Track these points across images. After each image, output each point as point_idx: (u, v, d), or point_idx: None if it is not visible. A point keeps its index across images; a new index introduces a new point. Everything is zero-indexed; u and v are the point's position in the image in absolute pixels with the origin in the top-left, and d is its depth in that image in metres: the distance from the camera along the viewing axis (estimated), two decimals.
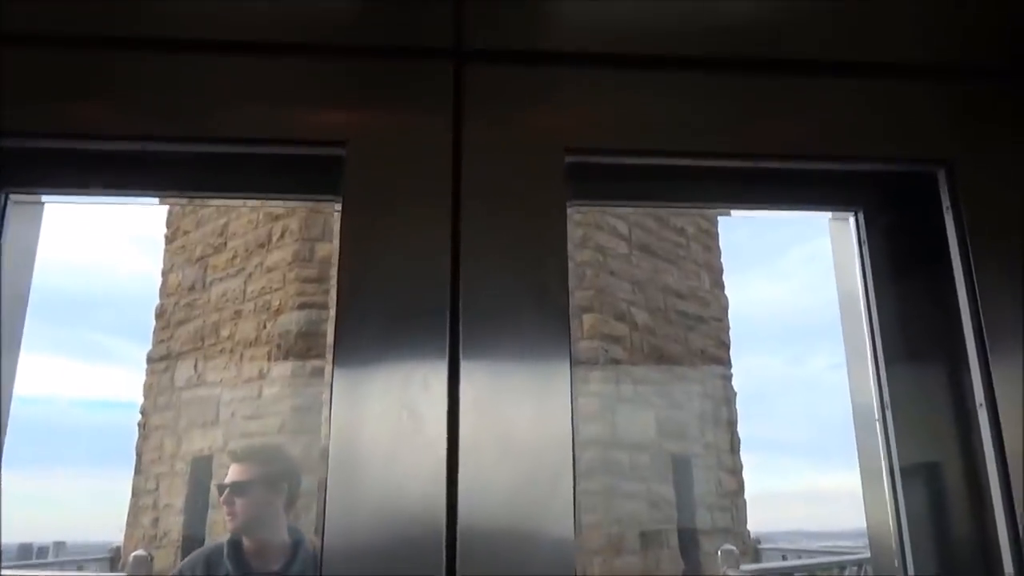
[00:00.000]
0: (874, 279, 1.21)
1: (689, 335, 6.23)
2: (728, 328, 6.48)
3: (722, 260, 6.63)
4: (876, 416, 1.22)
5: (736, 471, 6.15)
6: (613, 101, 1.11)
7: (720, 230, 6.63)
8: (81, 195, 1.04)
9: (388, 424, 0.91)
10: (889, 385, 1.18)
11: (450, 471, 0.90)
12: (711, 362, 6.27)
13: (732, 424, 6.26)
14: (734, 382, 6.37)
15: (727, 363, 6.36)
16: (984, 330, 1.06)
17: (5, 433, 1.06)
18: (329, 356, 0.94)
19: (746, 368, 6.44)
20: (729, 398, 6.30)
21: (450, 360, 0.96)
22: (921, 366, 1.18)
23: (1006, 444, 1.01)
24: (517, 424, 0.95)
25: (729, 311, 6.52)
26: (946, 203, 1.12)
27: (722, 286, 6.61)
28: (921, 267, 1.18)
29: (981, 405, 1.05)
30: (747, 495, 6.16)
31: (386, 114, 1.03)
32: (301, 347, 5.29)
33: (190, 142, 0.99)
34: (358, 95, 1.04)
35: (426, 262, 0.97)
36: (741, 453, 6.23)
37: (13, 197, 1.05)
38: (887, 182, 1.22)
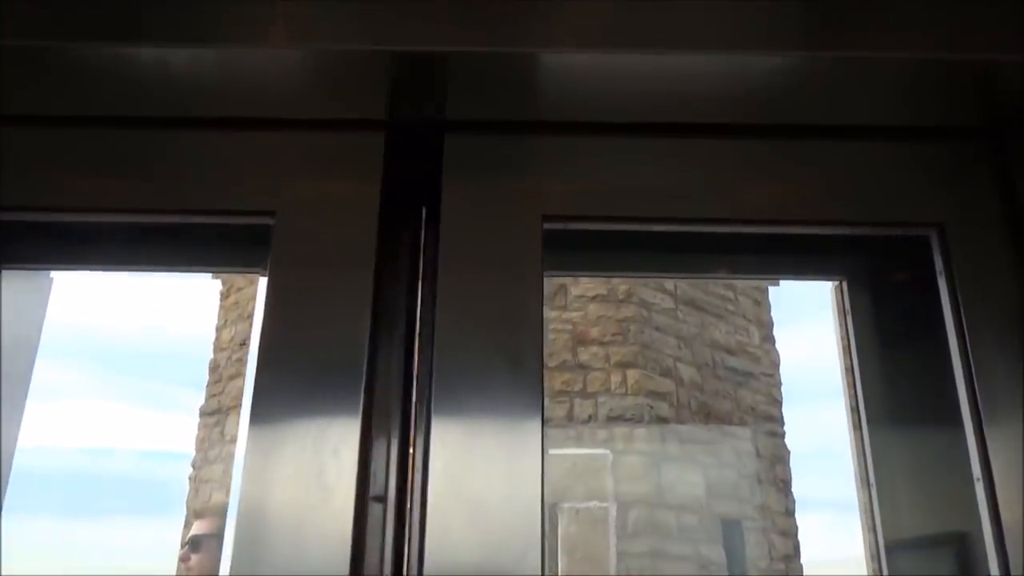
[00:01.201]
0: (858, 348, 1.19)
1: (739, 391, 6.09)
2: (780, 384, 6.32)
3: (772, 314, 6.50)
4: (862, 487, 1.19)
5: (790, 534, 5.93)
6: (592, 168, 1.12)
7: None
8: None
9: (296, 491, 0.91)
10: (874, 456, 1.15)
11: (356, 542, 0.90)
12: (762, 419, 6.11)
13: (786, 484, 6.06)
14: (787, 440, 6.19)
15: (779, 420, 6.19)
16: (979, 400, 1.01)
17: (5, 493, 1.11)
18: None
19: (800, 425, 6.25)
20: (782, 457, 6.12)
21: (423, 427, 0.97)
22: (912, 436, 1.15)
23: (1003, 518, 0.97)
24: (487, 492, 0.95)
25: (780, 366, 6.37)
26: (939, 266, 1.09)
27: (772, 340, 6.47)
28: (908, 336, 1.15)
29: (978, 479, 1.01)
30: (803, 560, 5.92)
31: (316, 184, 1.06)
32: None
33: (125, 213, 1.04)
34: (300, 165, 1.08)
35: (344, 330, 0.98)
36: (796, 515, 6.01)
37: None
38: (873, 249, 1.20)
